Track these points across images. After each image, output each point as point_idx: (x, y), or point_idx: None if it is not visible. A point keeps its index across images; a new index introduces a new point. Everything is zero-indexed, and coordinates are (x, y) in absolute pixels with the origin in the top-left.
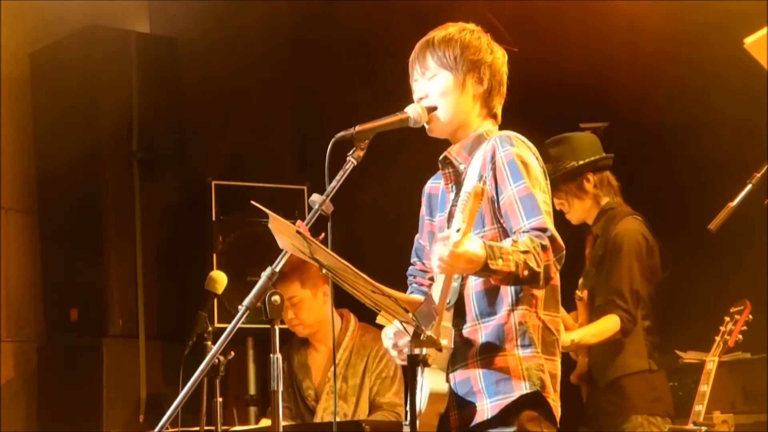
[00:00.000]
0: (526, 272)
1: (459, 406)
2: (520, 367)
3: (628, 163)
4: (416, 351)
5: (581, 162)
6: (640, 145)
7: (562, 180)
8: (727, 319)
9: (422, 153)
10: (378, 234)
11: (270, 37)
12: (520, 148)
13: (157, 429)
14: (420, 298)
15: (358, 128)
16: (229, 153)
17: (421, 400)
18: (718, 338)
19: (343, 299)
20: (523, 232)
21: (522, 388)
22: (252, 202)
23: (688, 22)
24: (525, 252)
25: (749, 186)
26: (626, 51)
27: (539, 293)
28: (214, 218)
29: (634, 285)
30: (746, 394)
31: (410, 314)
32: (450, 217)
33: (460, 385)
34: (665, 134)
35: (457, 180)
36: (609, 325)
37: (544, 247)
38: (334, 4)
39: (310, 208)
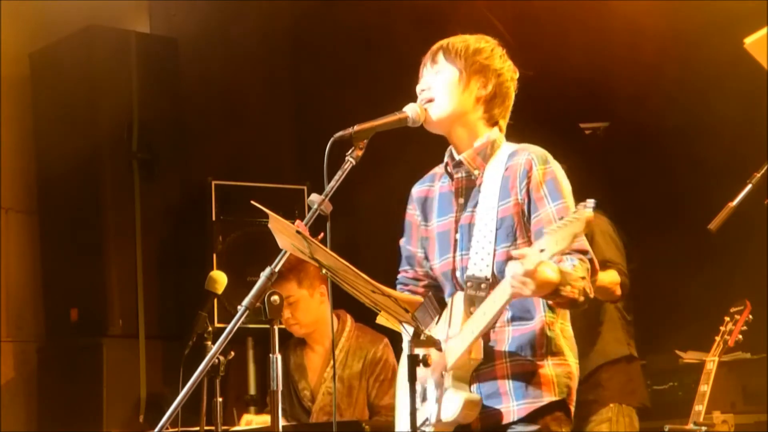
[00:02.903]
0: (582, 298)
1: (483, 407)
2: (551, 374)
3: (628, 163)
4: (416, 351)
5: None
6: (640, 145)
7: None
8: (727, 319)
9: (421, 153)
10: (377, 234)
11: (270, 37)
12: (556, 166)
13: (157, 429)
14: (419, 298)
15: (356, 128)
16: (229, 153)
17: (450, 408)
18: (718, 338)
19: (339, 300)
20: (566, 253)
21: (552, 395)
22: (252, 202)
23: (688, 22)
24: (583, 279)
25: (749, 186)
26: (626, 51)
27: None
28: (214, 218)
29: (616, 258)
30: (746, 394)
31: (410, 314)
32: (456, 222)
33: (484, 387)
34: (665, 134)
35: (469, 185)
36: (611, 276)
37: (588, 271)
38: (334, 4)
39: (310, 208)
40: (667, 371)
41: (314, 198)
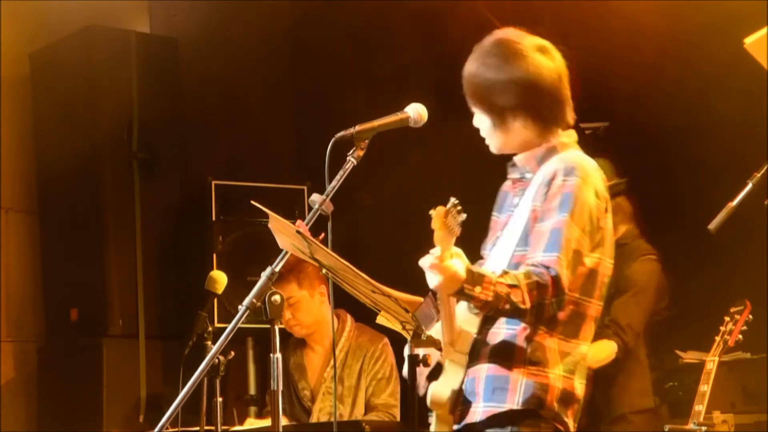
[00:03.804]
0: (507, 306)
1: (463, 402)
2: (520, 382)
3: (628, 163)
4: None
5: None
6: (639, 145)
7: None
8: (727, 319)
9: (422, 153)
10: (378, 234)
11: (270, 37)
12: (582, 181)
13: (157, 429)
14: (419, 298)
15: (358, 128)
16: (229, 153)
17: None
18: (718, 338)
19: (339, 300)
20: (531, 264)
21: (513, 402)
22: (252, 202)
23: (688, 22)
24: (512, 286)
25: (749, 186)
26: (626, 51)
27: (562, 317)
28: (214, 218)
29: (635, 325)
30: (746, 394)
31: (410, 314)
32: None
33: (468, 382)
34: (665, 134)
35: (522, 186)
36: (608, 351)
37: (540, 285)
38: (334, 4)
39: (310, 208)
40: (667, 371)
41: (315, 198)
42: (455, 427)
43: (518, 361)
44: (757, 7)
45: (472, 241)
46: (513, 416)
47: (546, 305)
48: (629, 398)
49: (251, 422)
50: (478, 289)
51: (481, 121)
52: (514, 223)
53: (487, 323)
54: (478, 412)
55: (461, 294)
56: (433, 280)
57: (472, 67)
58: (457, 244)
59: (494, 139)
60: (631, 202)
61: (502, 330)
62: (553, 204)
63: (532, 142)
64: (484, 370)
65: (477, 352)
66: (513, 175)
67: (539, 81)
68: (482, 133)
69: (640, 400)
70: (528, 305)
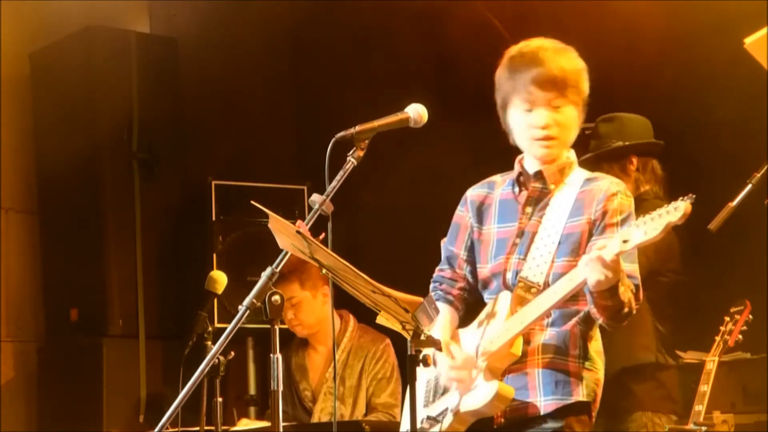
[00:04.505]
0: (626, 310)
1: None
2: (582, 375)
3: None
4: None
5: (627, 143)
6: None
7: (605, 159)
8: (727, 319)
9: (422, 153)
10: (378, 234)
11: (270, 37)
12: (631, 200)
13: (157, 429)
14: (420, 298)
15: (358, 128)
16: (229, 153)
17: (479, 396)
18: (718, 338)
19: (342, 300)
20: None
21: (579, 395)
22: (252, 202)
23: (687, 22)
24: (632, 292)
25: (749, 186)
26: (625, 51)
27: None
28: (214, 218)
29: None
30: (746, 394)
31: (410, 314)
32: (521, 228)
33: (512, 381)
34: (665, 134)
35: (541, 197)
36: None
37: (635, 294)
38: (334, 4)
39: (310, 208)
40: None
41: (315, 198)
42: (502, 421)
43: (573, 357)
44: (757, 7)
45: None
46: (577, 408)
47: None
48: (629, 352)
49: (245, 422)
50: (622, 288)
51: (564, 118)
52: (544, 231)
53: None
54: (540, 406)
55: (611, 291)
56: (598, 273)
57: (573, 57)
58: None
59: (570, 135)
60: (662, 167)
61: (546, 330)
62: (615, 220)
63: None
64: (537, 365)
65: (522, 353)
66: (535, 185)
67: None
68: (553, 130)
69: (640, 354)
70: (634, 311)
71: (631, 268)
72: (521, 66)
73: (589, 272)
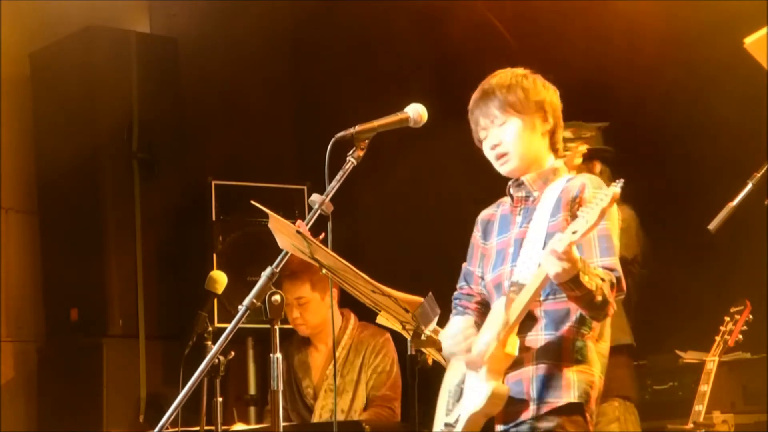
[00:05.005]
0: (599, 298)
1: (507, 404)
2: (573, 378)
3: (627, 163)
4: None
5: (597, 147)
6: (639, 145)
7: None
8: (727, 319)
9: (422, 153)
10: (378, 234)
11: (270, 37)
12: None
13: (157, 429)
14: (420, 298)
15: (358, 128)
16: (229, 153)
17: (476, 398)
18: (718, 338)
19: (345, 299)
20: (594, 267)
21: (571, 396)
22: (252, 202)
23: (687, 22)
24: (603, 281)
25: (749, 186)
26: (626, 51)
27: (596, 323)
28: (214, 218)
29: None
30: (746, 394)
31: (410, 314)
32: (512, 238)
33: (510, 384)
34: (665, 134)
35: (527, 205)
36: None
37: (612, 284)
38: (334, 4)
39: (310, 208)
40: (667, 371)
41: (315, 198)
42: (501, 427)
43: (567, 360)
44: (757, 7)
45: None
46: (569, 409)
47: (611, 303)
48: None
49: (239, 425)
50: (586, 278)
51: (509, 131)
52: (531, 236)
53: (524, 330)
54: (533, 409)
55: (574, 282)
56: (555, 266)
57: (507, 76)
58: (455, 245)
59: (521, 147)
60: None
61: (541, 336)
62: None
63: (543, 152)
64: (533, 371)
65: (520, 359)
66: (519, 193)
67: (560, 108)
68: (504, 146)
69: (616, 335)
70: (611, 300)
71: (611, 261)
72: (472, 102)
73: (548, 266)
